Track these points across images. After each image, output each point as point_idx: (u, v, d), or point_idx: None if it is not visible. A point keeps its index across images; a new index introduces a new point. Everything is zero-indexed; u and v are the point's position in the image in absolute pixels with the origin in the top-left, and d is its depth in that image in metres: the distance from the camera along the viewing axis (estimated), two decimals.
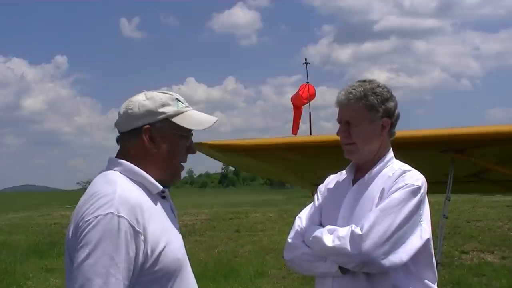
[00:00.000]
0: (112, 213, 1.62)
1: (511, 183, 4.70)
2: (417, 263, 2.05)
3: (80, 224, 1.63)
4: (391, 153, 2.21)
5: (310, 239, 2.11)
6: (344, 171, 2.28)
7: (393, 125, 2.20)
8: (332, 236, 2.02)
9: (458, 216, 13.95)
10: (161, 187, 1.81)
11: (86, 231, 1.60)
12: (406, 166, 2.15)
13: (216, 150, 4.25)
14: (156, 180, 1.81)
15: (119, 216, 1.62)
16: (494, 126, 3.65)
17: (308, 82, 11.23)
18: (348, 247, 1.96)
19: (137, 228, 1.64)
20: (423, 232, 2.04)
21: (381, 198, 2.05)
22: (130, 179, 1.77)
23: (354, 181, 2.20)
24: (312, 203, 2.32)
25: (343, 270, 2.02)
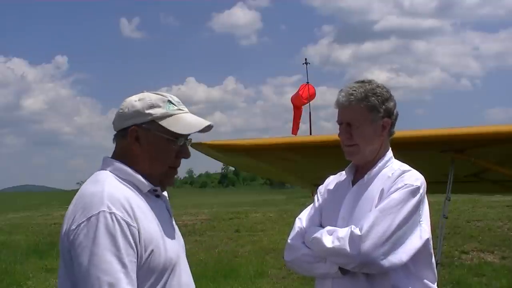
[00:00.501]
0: (103, 211, 1.62)
1: (511, 183, 4.70)
2: (416, 263, 2.04)
3: (74, 227, 1.63)
4: (390, 153, 2.21)
5: (310, 240, 2.11)
6: (343, 172, 2.28)
7: (392, 124, 2.20)
8: (332, 237, 2.02)
9: (458, 216, 13.96)
10: (150, 185, 1.79)
11: (82, 233, 1.60)
12: (406, 166, 2.15)
13: (216, 150, 4.25)
14: (149, 181, 1.79)
15: (111, 213, 1.62)
16: (494, 126, 3.65)
17: (308, 82, 11.25)
18: (348, 248, 1.96)
19: (131, 223, 1.64)
20: (422, 232, 2.04)
21: (380, 198, 2.05)
22: (120, 178, 1.76)
23: (353, 182, 2.20)
24: (312, 204, 2.32)
25: (343, 270, 2.02)
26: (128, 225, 1.63)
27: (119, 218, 1.62)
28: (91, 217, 1.61)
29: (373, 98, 2.12)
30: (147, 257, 1.67)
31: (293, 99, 11.32)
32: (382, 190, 2.07)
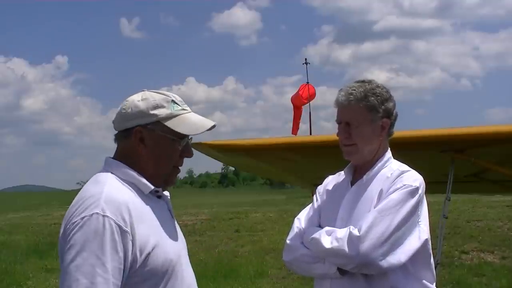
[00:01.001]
0: (97, 213, 1.61)
1: (511, 183, 4.70)
2: (415, 263, 2.04)
3: (68, 226, 1.63)
4: (389, 153, 2.21)
5: (309, 240, 2.11)
6: (342, 172, 2.28)
7: (392, 125, 2.19)
8: (330, 238, 2.02)
9: (458, 216, 13.95)
10: (152, 186, 1.78)
11: (72, 232, 1.60)
12: (404, 167, 2.15)
13: (216, 150, 4.25)
14: (151, 182, 1.78)
15: (104, 216, 1.60)
16: (494, 126, 3.65)
17: (308, 82, 11.25)
18: (346, 249, 1.95)
19: (124, 227, 1.62)
20: (421, 232, 2.03)
21: (379, 199, 2.05)
22: (121, 179, 1.75)
23: (352, 182, 2.20)
24: (310, 204, 2.32)
25: (342, 271, 2.02)
26: (121, 229, 1.61)
27: (111, 222, 1.60)
28: (84, 217, 1.61)
29: (372, 98, 2.12)
30: (144, 260, 1.66)
31: (293, 99, 11.33)
32: (381, 191, 2.06)
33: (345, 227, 2.03)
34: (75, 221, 1.61)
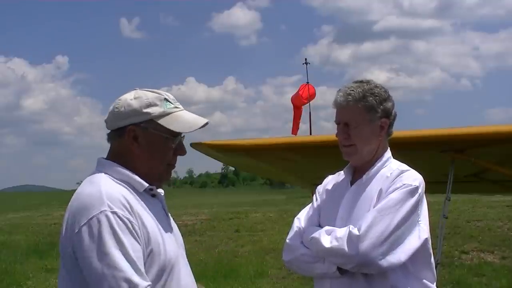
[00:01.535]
0: (105, 210, 1.61)
1: (511, 183, 4.70)
2: (415, 263, 2.04)
3: (76, 231, 1.62)
4: (388, 153, 2.21)
5: (309, 240, 2.11)
6: (342, 172, 2.28)
7: (391, 125, 2.19)
8: (330, 237, 2.02)
9: (458, 216, 13.95)
10: (146, 184, 1.78)
11: (86, 236, 1.60)
12: (404, 166, 2.15)
13: (216, 150, 4.26)
14: (145, 180, 1.79)
15: (113, 212, 1.62)
16: (494, 126, 3.65)
17: (308, 82, 11.25)
18: (346, 248, 1.96)
19: (133, 220, 1.64)
20: (421, 232, 2.03)
21: (379, 198, 2.05)
22: (115, 178, 1.75)
23: (352, 182, 2.20)
24: (310, 204, 2.32)
25: (342, 270, 2.02)
26: (131, 222, 1.63)
27: (121, 216, 1.62)
28: (92, 217, 1.61)
29: (371, 98, 2.11)
30: (147, 256, 1.67)
31: (293, 99, 11.33)
32: (381, 190, 2.07)
33: (345, 226, 2.03)
34: (84, 224, 1.61)
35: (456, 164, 3.81)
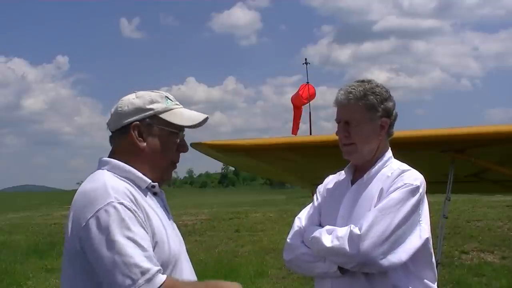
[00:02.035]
0: (111, 201, 1.63)
1: (511, 183, 4.70)
2: (416, 262, 2.04)
3: (84, 224, 1.62)
4: (389, 153, 2.21)
5: (309, 239, 2.11)
6: (343, 172, 2.28)
7: (391, 125, 2.19)
8: (331, 236, 2.02)
9: (458, 216, 13.95)
10: (149, 181, 1.80)
11: (94, 228, 1.60)
12: (405, 166, 2.15)
13: (216, 150, 4.26)
14: (148, 177, 1.80)
15: (119, 203, 1.63)
16: (494, 126, 3.66)
17: (308, 82, 11.25)
18: (347, 247, 1.96)
19: (139, 212, 1.67)
20: (422, 231, 2.04)
21: (380, 198, 2.05)
22: (118, 175, 1.77)
23: (353, 182, 2.20)
24: (311, 203, 2.32)
25: (342, 270, 2.02)
26: (137, 212, 1.66)
27: (128, 206, 1.64)
28: (99, 209, 1.62)
29: (371, 97, 2.12)
30: (153, 248, 1.67)
31: (293, 99, 11.33)
32: (382, 190, 2.07)
33: (346, 226, 2.03)
34: (91, 216, 1.62)
35: (456, 164, 3.81)
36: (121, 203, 1.63)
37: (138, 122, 1.81)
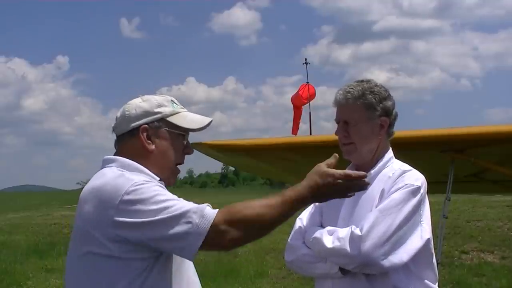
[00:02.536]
0: (136, 182, 1.66)
1: (511, 183, 4.70)
2: (417, 263, 2.04)
3: (112, 212, 1.62)
4: (390, 153, 2.21)
5: (310, 240, 2.11)
6: None
7: (391, 124, 2.19)
8: (332, 237, 2.02)
9: (458, 216, 13.94)
10: (158, 178, 1.82)
11: (127, 208, 1.62)
12: (406, 166, 2.15)
13: (216, 150, 4.26)
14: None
15: (143, 182, 1.67)
16: (494, 126, 3.66)
17: (308, 82, 11.25)
18: (348, 248, 1.96)
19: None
20: (423, 232, 2.04)
21: (381, 198, 2.05)
22: (127, 171, 1.76)
23: None
24: (312, 204, 2.32)
25: (343, 271, 2.03)
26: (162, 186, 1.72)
27: (152, 183, 1.69)
28: (127, 190, 1.63)
29: (370, 96, 2.12)
30: None
31: (293, 99, 11.33)
32: (383, 190, 2.07)
33: (347, 227, 2.03)
34: (118, 202, 1.62)
35: (456, 164, 3.82)
36: (144, 183, 1.67)
37: (146, 125, 1.83)
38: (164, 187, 1.74)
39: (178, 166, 1.93)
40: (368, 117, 2.13)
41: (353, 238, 1.96)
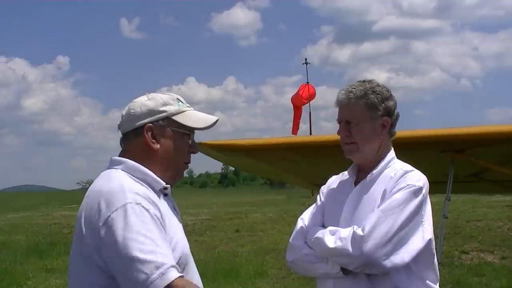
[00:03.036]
0: (130, 202, 1.64)
1: (511, 183, 4.70)
2: (419, 263, 2.04)
3: (101, 224, 1.63)
4: (392, 154, 2.21)
5: (312, 240, 2.11)
6: (346, 172, 2.28)
7: (393, 124, 2.20)
8: (334, 237, 2.03)
9: (458, 216, 13.95)
10: (163, 183, 1.82)
11: (112, 226, 1.61)
12: (408, 167, 2.15)
13: (216, 150, 4.26)
14: (161, 179, 1.82)
15: (137, 203, 1.65)
16: (494, 126, 3.67)
17: (308, 82, 11.29)
18: (350, 248, 1.96)
19: (157, 213, 1.68)
20: (425, 232, 2.04)
21: (383, 199, 2.06)
22: (133, 176, 1.78)
23: (356, 182, 2.20)
24: (314, 204, 2.32)
25: (345, 271, 2.03)
26: (155, 213, 1.67)
27: (146, 207, 1.65)
28: (117, 209, 1.63)
29: (372, 96, 2.13)
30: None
31: (293, 99, 11.37)
32: (385, 191, 2.07)
33: (349, 227, 2.03)
34: (109, 216, 1.62)
35: (456, 164, 3.82)
36: (139, 204, 1.65)
37: (151, 124, 1.82)
38: (153, 216, 1.66)
39: (187, 164, 1.93)
40: (370, 117, 2.13)
41: (355, 238, 1.96)
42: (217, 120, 1.93)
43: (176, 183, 1.95)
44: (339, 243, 1.99)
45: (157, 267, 1.56)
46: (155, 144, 1.83)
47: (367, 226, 1.96)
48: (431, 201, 2.13)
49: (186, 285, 1.61)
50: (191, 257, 1.87)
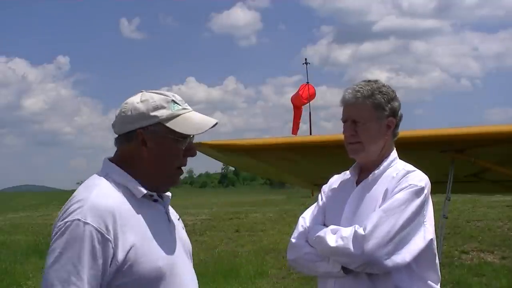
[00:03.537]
0: (79, 219, 1.60)
1: (511, 183, 4.70)
2: (420, 263, 2.05)
3: (53, 230, 1.65)
4: (394, 154, 2.21)
5: (313, 239, 2.12)
6: (348, 172, 2.29)
7: (397, 125, 2.21)
8: (335, 236, 2.03)
9: (458, 216, 13.95)
10: (145, 191, 1.75)
11: (55, 237, 1.62)
12: (410, 167, 2.16)
13: (216, 150, 4.26)
14: (150, 185, 1.76)
15: (85, 223, 1.59)
16: (494, 126, 3.67)
17: (308, 82, 11.30)
18: (351, 247, 1.96)
19: (106, 235, 1.60)
20: (426, 232, 2.04)
21: (384, 198, 2.06)
22: (116, 182, 1.73)
23: (358, 182, 2.20)
24: (315, 203, 2.33)
25: (346, 270, 2.03)
26: (102, 236, 1.60)
27: (91, 228, 1.59)
28: (66, 222, 1.62)
29: (379, 96, 2.13)
30: (128, 268, 1.63)
31: (293, 99, 11.38)
32: (386, 190, 2.07)
33: (350, 226, 2.04)
34: (59, 225, 1.63)
35: (456, 164, 3.82)
36: (87, 224, 1.60)
37: (141, 130, 1.75)
38: (95, 242, 1.59)
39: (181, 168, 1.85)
40: (376, 117, 2.14)
41: (356, 238, 1.96)
42: (215, 124, 1.84)
43: (169, 188, 1.87)
44: (340, 242, 2.00)
45: None
46: (146, 151, 1.76)
47: (369, 226, 1.96)
48: (432, 201, 2.13)
49: None
50: (184, 267, 1.80)
